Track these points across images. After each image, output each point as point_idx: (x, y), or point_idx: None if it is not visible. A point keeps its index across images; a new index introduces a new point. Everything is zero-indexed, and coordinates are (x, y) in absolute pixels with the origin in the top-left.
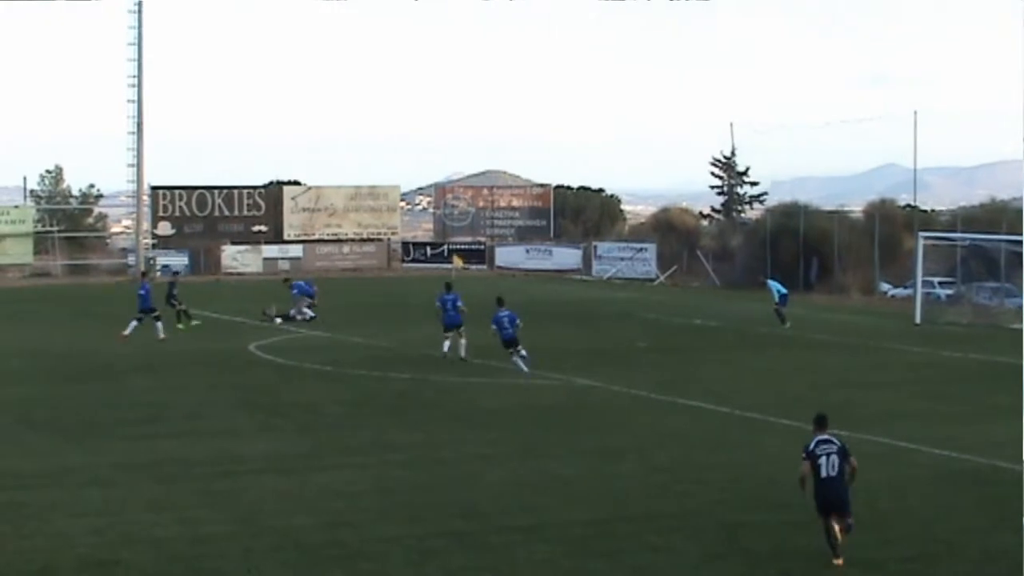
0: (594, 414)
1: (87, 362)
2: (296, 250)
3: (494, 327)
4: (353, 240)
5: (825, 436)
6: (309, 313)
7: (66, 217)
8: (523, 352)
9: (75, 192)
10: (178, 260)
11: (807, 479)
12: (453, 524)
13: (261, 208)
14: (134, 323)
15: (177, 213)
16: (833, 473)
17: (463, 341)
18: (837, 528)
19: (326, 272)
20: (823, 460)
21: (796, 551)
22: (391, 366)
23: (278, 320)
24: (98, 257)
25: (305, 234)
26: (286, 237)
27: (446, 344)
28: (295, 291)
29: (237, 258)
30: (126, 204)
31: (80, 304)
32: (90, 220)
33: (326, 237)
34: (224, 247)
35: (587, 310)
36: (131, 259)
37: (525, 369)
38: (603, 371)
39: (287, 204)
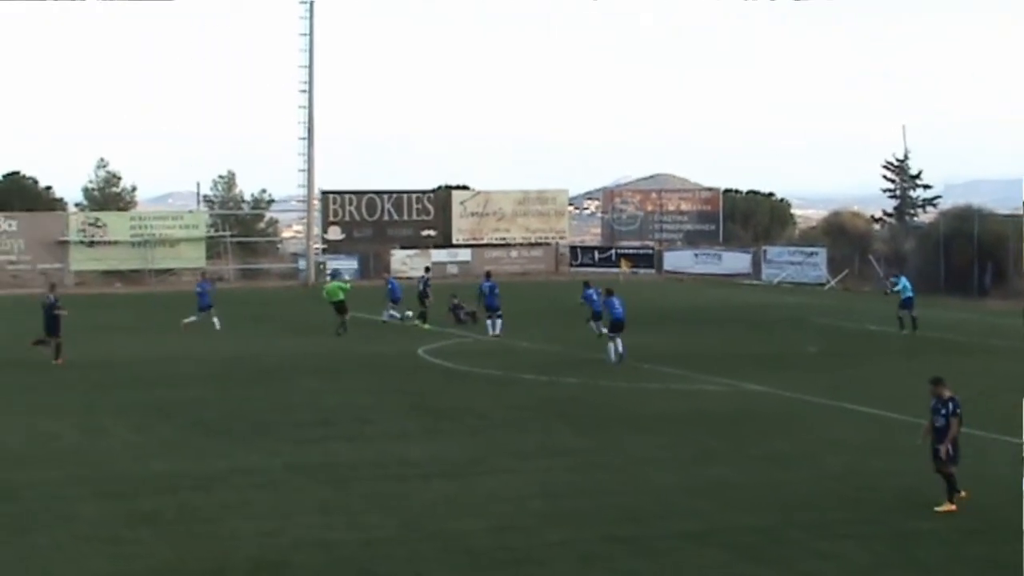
0: (764, 420)
1: (258, 365)
2: (465, 254)
3: (606, 307)
4: (521, 244)
5: (947, 395)
6: (395, 315)
7: (238, 222)
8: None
9: (247, 197)
10: (347, 264)
11: (929, 432)
12: (620, 529)
13: (430, 212)
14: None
15: (347, 218)
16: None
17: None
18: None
19: (494, 276)
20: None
21: (970, 561)
22: (559, 370)
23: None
24: (269, 262)
25: (474, 238)
26: (455, 241)
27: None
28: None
29: (406, 262)
30: (297, 209)
31: (252, 308)
32: (261, 225)
33: (494, 241)
34: (393, 251)
35: (757, 315)
36: (301, 264)
37: (614, 359)
38: (773, 376)
39: (456, 208)
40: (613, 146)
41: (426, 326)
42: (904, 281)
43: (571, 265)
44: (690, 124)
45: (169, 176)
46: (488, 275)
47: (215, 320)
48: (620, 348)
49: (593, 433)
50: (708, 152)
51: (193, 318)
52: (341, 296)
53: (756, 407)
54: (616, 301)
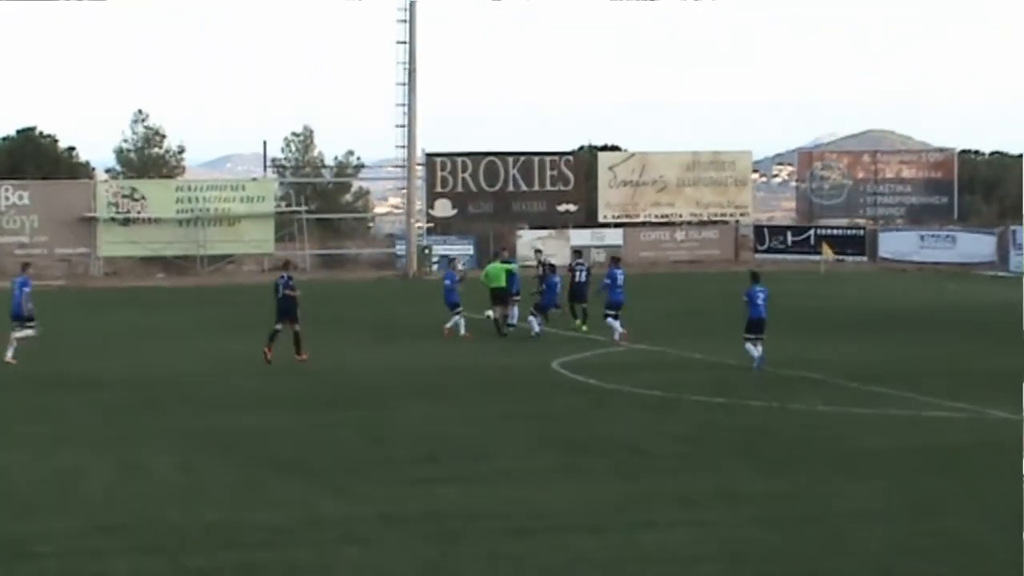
0: (1013, 457)
1: (346, 383)
2: (614, 236)
3: (744, 300)
4: (690, 223)
5: None
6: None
7: (317, 194)
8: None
9: (328, 161)
10: (461, 249)
11: None
12: None
13: (569, 181)
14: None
15: (459, 188)
16: None
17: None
18: None
19: (653, 266)
20: None
21: None
22: (741, 390)
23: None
24: (358, 246)
25: (626, 215)
26: (601, 219)
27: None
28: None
29: (538, 246)
30: (394, 176)
31: (336, 306)
32: (347, 198)
33: (654, 219)
34: (519, 232)
35: (1004, 317)
36: (399, 248)
37: (756, 361)
38: None
39: (603, 176)
40: (810, 95)
41: (584, 327)
42: None
43: (756, 251)
44: (914, 67)
45: (228, 135)
46: (616, 261)
47: (461, 324)
48: (757, 353)
49: (785, 474)
50: (938, 102)
51: (458, 318)
52: (504, 282)
53: (1004, 440)
54: (759, 292)
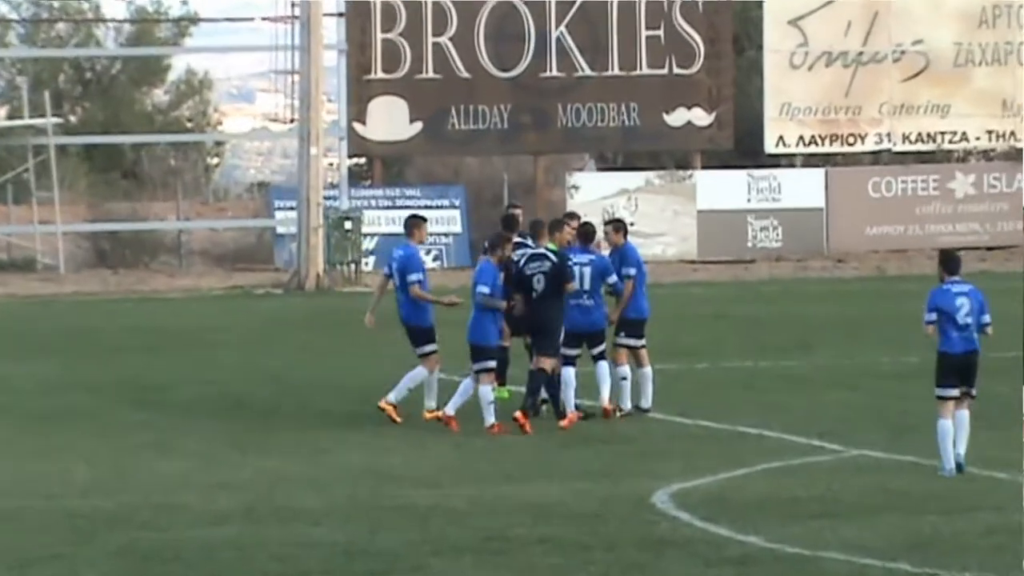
0: None
1: (182, 539)
2: (803, 188)
3: (930, 318)
4: (987, 155)
5: None
6: None
7: (88, 90)
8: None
9: (115, 13)
10: (439, 216)
11: None
12: None
13: (694, 54)
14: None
15: (428, 71)
16: None
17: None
18: None
19: (893, 258)
20: None
21: None
22: None
23: None
24: (183, 213)
25: (832, 136)
26: (772, 148)
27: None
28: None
29: (634, 213)
30: (266, 46)
31: (141, 361)
32: (159, 97)
33: (897, 148)
34: (572, 176)
35: None
36: (281, 219)
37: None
38: None
39: (775, 42)
40: None
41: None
42: None
43: None
44: None
45: None
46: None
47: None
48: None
49: None
50: None
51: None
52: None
53: None
54: (959, 297)
